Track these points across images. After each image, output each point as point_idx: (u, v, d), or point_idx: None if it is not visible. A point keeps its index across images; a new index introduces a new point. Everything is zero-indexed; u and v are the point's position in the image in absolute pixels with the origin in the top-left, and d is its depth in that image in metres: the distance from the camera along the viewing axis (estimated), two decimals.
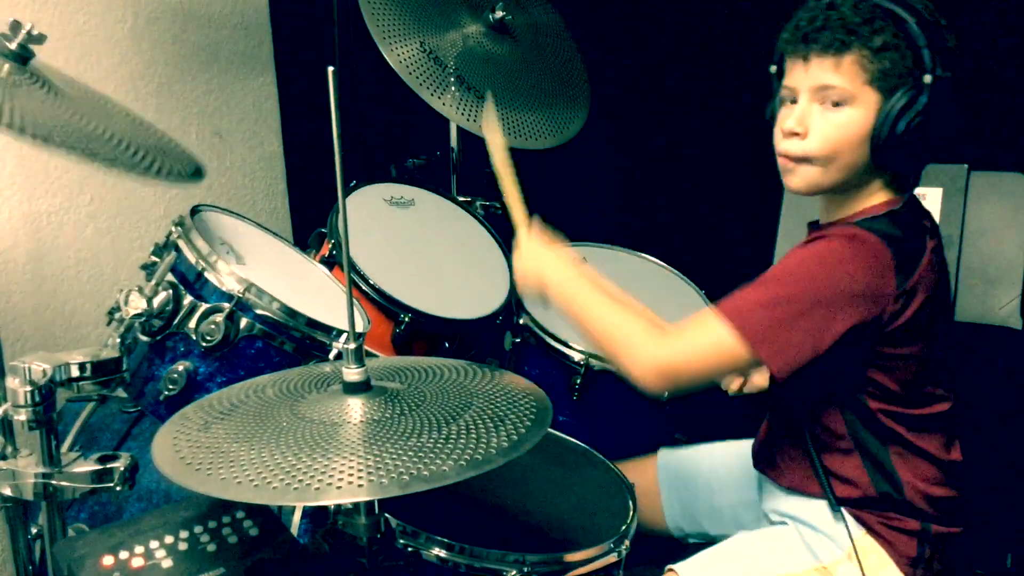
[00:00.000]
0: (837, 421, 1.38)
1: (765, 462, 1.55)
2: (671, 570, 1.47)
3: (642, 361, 1.30)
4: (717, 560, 1.47)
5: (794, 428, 1.45)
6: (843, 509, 1.41)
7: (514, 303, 1.87)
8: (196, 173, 1.51)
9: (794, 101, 1.34)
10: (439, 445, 0.96)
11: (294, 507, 1.45)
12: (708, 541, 1.69)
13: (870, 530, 1.39)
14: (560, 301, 1.39)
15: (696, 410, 1.90)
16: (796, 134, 1.32)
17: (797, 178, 1.35)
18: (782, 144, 1.35)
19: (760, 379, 1.70)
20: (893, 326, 1.28)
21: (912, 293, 1.28)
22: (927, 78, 1.26)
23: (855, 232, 1.30)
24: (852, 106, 1.30)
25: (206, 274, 1.46)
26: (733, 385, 1.76)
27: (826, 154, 1.32)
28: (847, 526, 1.39)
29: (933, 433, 1.39)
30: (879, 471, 1.38)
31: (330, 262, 1.75)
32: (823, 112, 1.31)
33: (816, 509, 1.43)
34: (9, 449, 1.24)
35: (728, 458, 1.71)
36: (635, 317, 1.32)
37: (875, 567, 1.38)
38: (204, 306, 1.44)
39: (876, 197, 1.36)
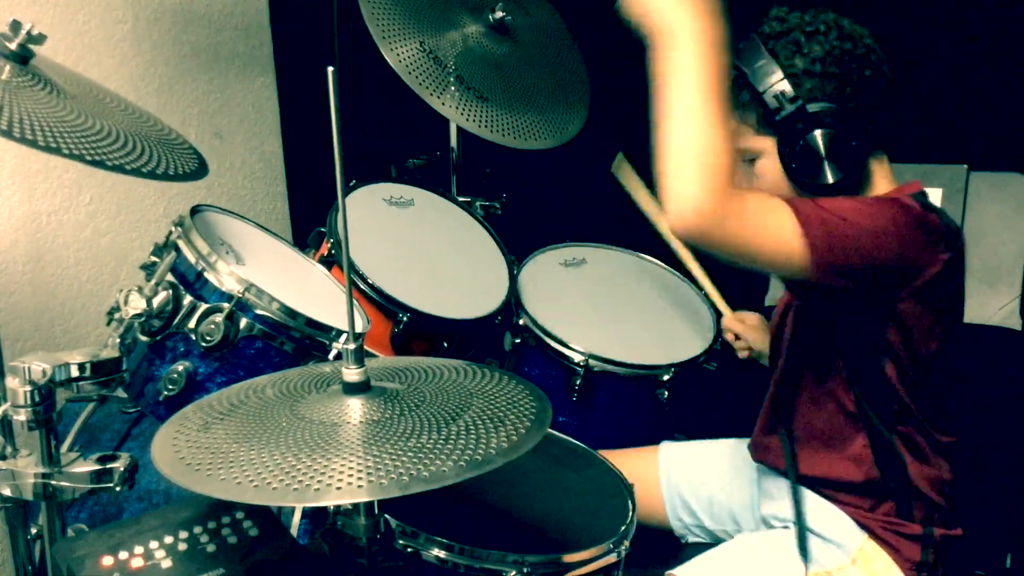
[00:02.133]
0: (845, 392, 1.38)
1: (764, 449, 1.55)
2: (670, 575, 1.47)
3: (692, 196, 1.16)
4: (718, 564, 1.48)
5: (791, 406, 1.46)
6: (846, 512, 1.41)
7: (513, 303, 1.87)
8: (200, 168, 1.51)
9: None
10: (439, 446, 0.96)
11: (294, 508, 1.45)
12: (708, 541, 1.70)
13: (874, 535, 1.40)
14: (665, 59, 1.18)
15: (696, 410, 1.90)
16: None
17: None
18: None
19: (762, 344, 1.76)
20: (924, 278, 1.29)
21: (950, 260, 1.30)
22: (811, 106, 1.32)
23: (898, 199, 1.33)
24: (762, 157, 1.39)
25: (206, 274, 1.46)
26: (743, 354, 1.83)
27: None
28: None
29: (939, 422, 1.40)
30: (884, 451, 1.38)
31: (329, 261, 1.75)
32: (748, 170, 1.41)
33: (820, 514, 1.43)
34: (9, 449, 1.23)
35: (728, 455, 1.72)
36: (720, 151, 1.17)
37: (880, 572, 1.38)
38: (204, 306, 1.44)
39: (881, 184, 1.40)
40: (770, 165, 1.38)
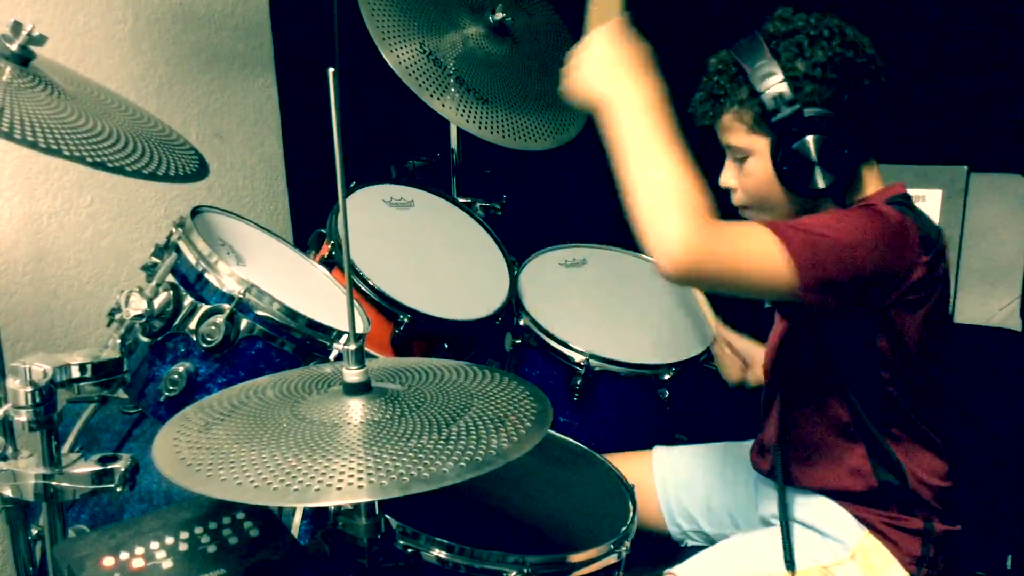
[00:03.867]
0: (841, 407, 1.39)
1: (761, 463, 1.55)
2: (670, 573, 1.47)
3: (677, 237, 1.17)
4: (716, 561, 1.48)
5: (788, 419, 1.46)
6: (846, 509, 1.41)
7: (514, 304, 1.87)
8: (201, 168, 1.51)
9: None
10: (439, 446, 0.96)
11: (294, 508, 1.45)
12: (706, 542, 1.70)
13: (874, 530, 1.40)
14: (611, 125, 1.23)
15: (697, 410, 1.90)
16: (733, 188, 1.45)
17: (755, 219, 1.41)
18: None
19: (759, 370, 1.71)
20: (908, 282, 1.30)
21: (931, 260, 1.31)
22: (808, 111, 1.32)
23: (872, 206, 1.34)
24: (753, 156, 1.39)
25: (206, 275, 1.46)
26: (734, 376, 1.77)
27: (754, 203, 1.44)
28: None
29: (934, 421, 1.40)
30: (882, 459, 1.39)
31: (329, 263, 1.75)
32: (739, 168, 1.42)
33: (819, 511, 1.44)
34: (9, 450, 1.23)
35: (724, 459, 1.72)
36: (690, 189, 1.19)
37: (879, 567, 1.38)
38: (204, 307, 1.44)
39: (869, 188, 1.40)
40: (761, 165, 1.38)
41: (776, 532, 1.47)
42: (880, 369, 1.35)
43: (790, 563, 1.40)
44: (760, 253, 1.23)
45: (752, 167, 1.40)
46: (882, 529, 1.40)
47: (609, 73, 1.25)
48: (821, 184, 1.35)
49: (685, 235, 1.16)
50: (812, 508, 1.45)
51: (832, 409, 1.40)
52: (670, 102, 1.25)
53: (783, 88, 1.32)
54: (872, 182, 1.41)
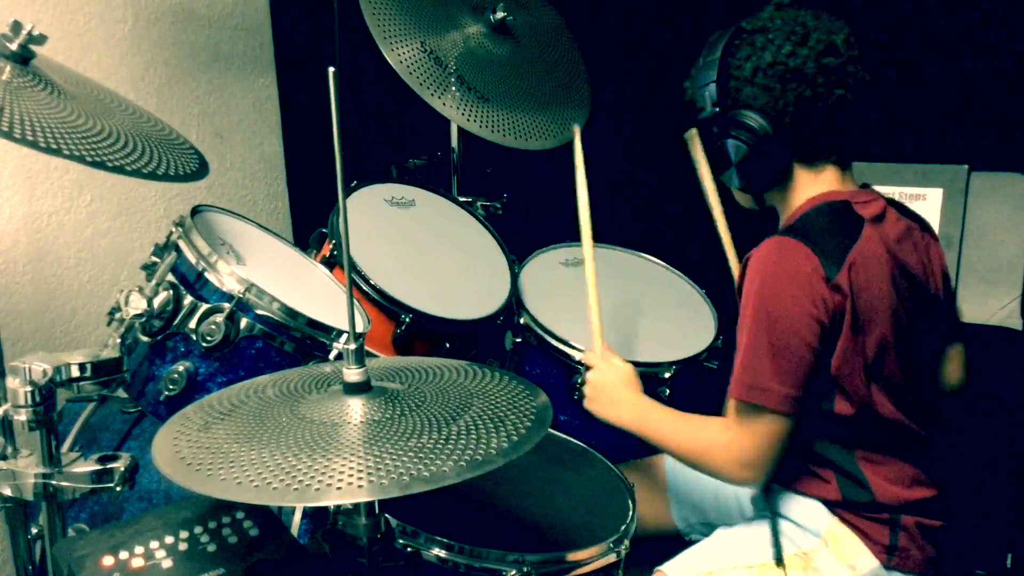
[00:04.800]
0: (805, 435, 1.40)
1: None
2: (659, 571, 1.49)
3: (727, 470, 1.39)
4: (702, 555, 1.51)
5: None
6: (816, 501, 1.44)
7: (514, 303, 1.87)
8: (201, 168, 1.51)
9: None
10: (439, 446, 0.96)
11: (294, 507, 1.45)
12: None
13: (842, 519, 1.43)
14: (637, 430, 1.51)
15: (698, 408, 1.90)
16: None
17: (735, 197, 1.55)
18: None
19: None
20: (844, 313, 1.32)
21: (849, 280, 1.32)
22: (738, 113, 1.37)
23: (768, 246, 1.36)
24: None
25: (206, 274, 1.46)
26: None
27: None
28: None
29: (905, 434, 1.41)
30: (847, 476, 1.41)
31: (331, 262, 1.75)
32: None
33: (793, 503, 1.47)
34: (9, 449, 1.24)
35: None
36: (704, 433, 1.43)
37: (850, 553, 1.41)
38: (204, 306, 1.44)
39: (806, 191, 1.43)
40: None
41: (758, 525, 1.50)
42: (839, 396, 1.37)
43: (778, 556, 1.44)
44: (762, 428, 1.34)
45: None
46: (850, 519, 1.42)
47: (615, 409, 1.54)
48: (736, 184, 1.43)
49: (725, 473, 1.40)
50: (788, 500, 1.48)
51: (795, 438, 1.40)
52: None
53: (711, 89, 1.39)
54: (808, 185, 1.43)
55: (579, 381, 1.75)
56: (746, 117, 1.37)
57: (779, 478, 1.44)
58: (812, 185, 1.43)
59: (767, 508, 1.49)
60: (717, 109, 1.39)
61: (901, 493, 1.40)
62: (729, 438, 1.37)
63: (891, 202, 1.47)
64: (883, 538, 1.40)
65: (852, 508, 1.41)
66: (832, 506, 1.43)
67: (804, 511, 1.45)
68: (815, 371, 1.33)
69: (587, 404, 1.57)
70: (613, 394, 1.54)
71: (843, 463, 1.41)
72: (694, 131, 1.65)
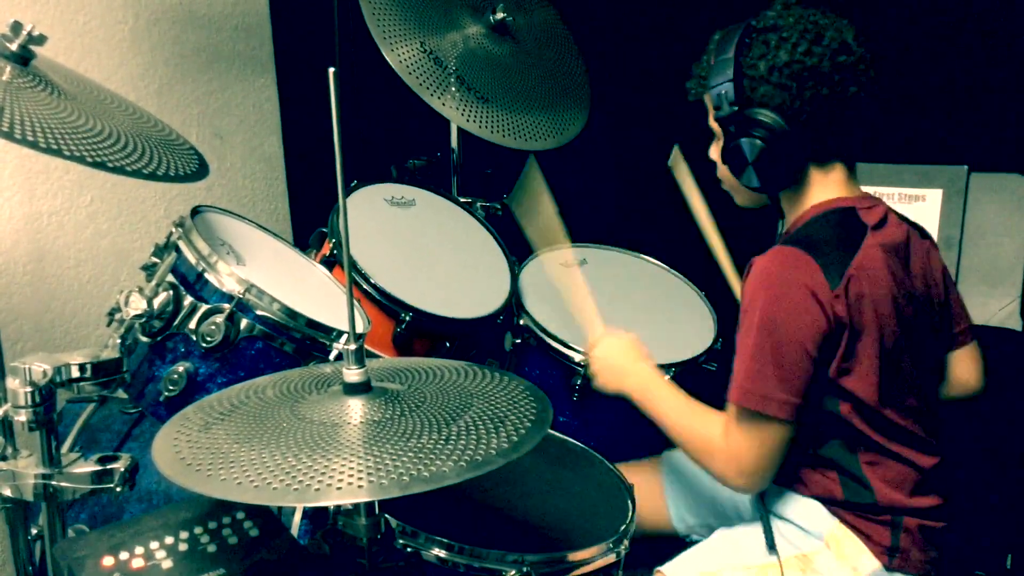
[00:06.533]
0: (806, 438, 1.40)
1: None
2: (658, 572, 1.49)
3: (725, 476, 1.40)
4: (702, 555, 1.51)
5: None
6: (817, 502, 1.44)
7: (514, 303, 1.87)
8: (201, 168, 1.51)
9: None
10: (439, 446, 0.96)
11: (294, 508, 1.45)
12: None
13: (844, 521, 1.43)
14: (639, 400, 1.50)
15: None
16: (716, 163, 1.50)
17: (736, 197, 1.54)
18: None
19: None
20: (847, 321, 1.33)
21: (850, 290, 1.32)
22: (755, 112, 1.36)
23: (773, 256, 1.36)
24: (716, 141, 1.46)
25: (206, 275, 1.46)
26: None
27: (723, 182, 1.51)
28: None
29: (908, 438, 1.41)
30: (850, 478, 1.41)
31: (331, 262, 1.75)
32: (714, 146, 1.49)
33: (794, 505, 1.46)
34: (9, 450, 1.24)
35: None
36: (705, 429, 1.41)
37: (852, 555, 1.41)
38: (204, 307, 1.44)
39: (816, 192, 1.43)
40: (718, 151, 1.45)
41: (757, 526, 1.50)
42: (842, 398, 1.37)
43: (770, 544, 1.44)
44: (760, 436, 1.35)
45: (716, 151, 1.46)
46: (851, 521, 1.42)
47: (619, 377, 1.54)
48: (754, 183, 1.41)
49: (723, 478, 1.40)
50: (788, 501, 1.47)
51: (800, 438, 1.40)
52: None
53: (727, 88, 1.37)
54: (818, 186, 1.42)
55: (579, 382, 1.76)
56: (763, 116, 1.36)
57: (780, 478, 1.44)
58: (822, 186, 1.42)
59: (761, 507, 1.49)
60: (735, 108, 1.37)
61: (902, 496, 1.40)
62: (728, 444, 1.37)
63: (888, 209, 1.47)
64: (884, 540, 1.40)
65: (854, 509, 1.41)
66: (834, 507, 1.43)
67: (805, 512, 1.45)
68: (816, 378, 1.34)
69: (595, 382, 1.58)
70: (616, 362, 1.55)
71: (847, 464, 1.40)
72: (677, 153, 1.66)
